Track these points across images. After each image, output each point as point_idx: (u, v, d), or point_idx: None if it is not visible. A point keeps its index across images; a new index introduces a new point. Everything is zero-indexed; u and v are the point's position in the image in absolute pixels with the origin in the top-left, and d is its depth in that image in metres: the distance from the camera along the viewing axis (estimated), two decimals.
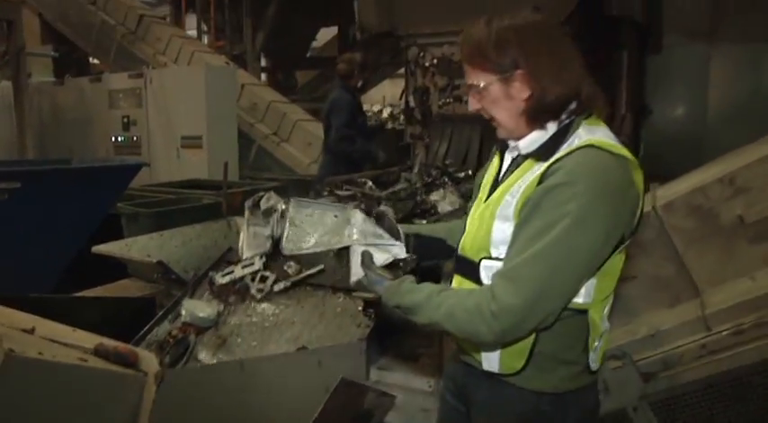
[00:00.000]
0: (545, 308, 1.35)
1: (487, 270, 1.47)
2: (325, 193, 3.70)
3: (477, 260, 1.50)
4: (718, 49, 6.66)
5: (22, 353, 1.61)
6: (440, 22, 5.01)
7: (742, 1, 6.32)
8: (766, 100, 5.99)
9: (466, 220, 1.66)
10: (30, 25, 11.20)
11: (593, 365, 1.51)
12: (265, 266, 2.84)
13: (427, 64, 5.26)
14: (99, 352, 1.70)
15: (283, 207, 1.92)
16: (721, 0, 6.51)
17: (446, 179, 4.14)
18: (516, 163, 1.51)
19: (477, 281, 1.49)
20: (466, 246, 1.57)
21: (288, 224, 1.80)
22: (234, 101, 8.37)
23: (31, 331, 1.89)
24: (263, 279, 2.81)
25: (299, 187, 6.17)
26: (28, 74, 9.81)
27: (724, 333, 2.17)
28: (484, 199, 1.56)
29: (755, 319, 2.13)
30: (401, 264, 1.66)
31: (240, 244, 2.48)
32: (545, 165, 1.39)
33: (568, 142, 1.41)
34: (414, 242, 1.73)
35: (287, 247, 1.80)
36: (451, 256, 1.67)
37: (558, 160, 1.37)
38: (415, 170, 4.16)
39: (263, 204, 2.30)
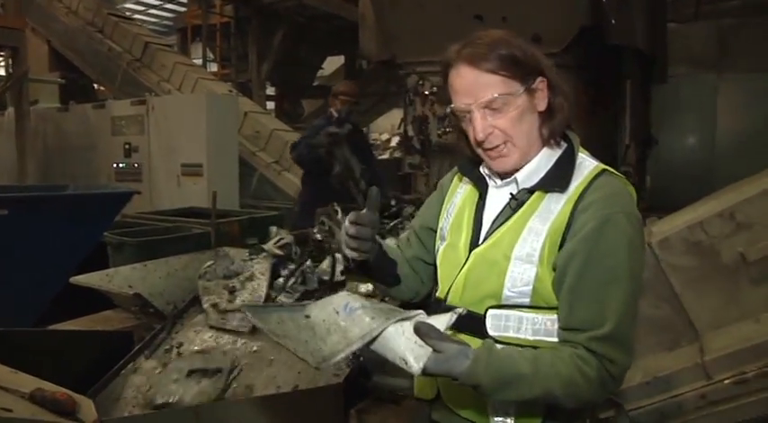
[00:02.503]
0: None
1: (495, 320, 1.29)
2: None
3: (481, 311, 1.30)
4: (725, 79, 6.57)
5: None
6: (439, 50, 4.90)
7: (750, 31, 6.24)
8: None
9: (418, 264, 1.55)
10: (38, 53, 11.34)
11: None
12: None
13: (426, 92, 5.14)
14: (35, 398, 1.57)
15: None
16: (728, 30, 6.44)
17: None
18: (518, 199, 1.33)
19: (482, 335, 1.29)
20: (457, 295, 1.35)
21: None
22: (235, 129, 8.29)
23: None
24: None
25: None
26: (35, 100, 9.88)
27: (726, 382, 2.01)
28: (468, 240, 1.37)
29: (760, 367, 1.97)
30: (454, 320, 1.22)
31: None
32: (566, 198, 1.27)
33: (578, 167, 1.31)
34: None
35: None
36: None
37: (582, 194, 1.26)
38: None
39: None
